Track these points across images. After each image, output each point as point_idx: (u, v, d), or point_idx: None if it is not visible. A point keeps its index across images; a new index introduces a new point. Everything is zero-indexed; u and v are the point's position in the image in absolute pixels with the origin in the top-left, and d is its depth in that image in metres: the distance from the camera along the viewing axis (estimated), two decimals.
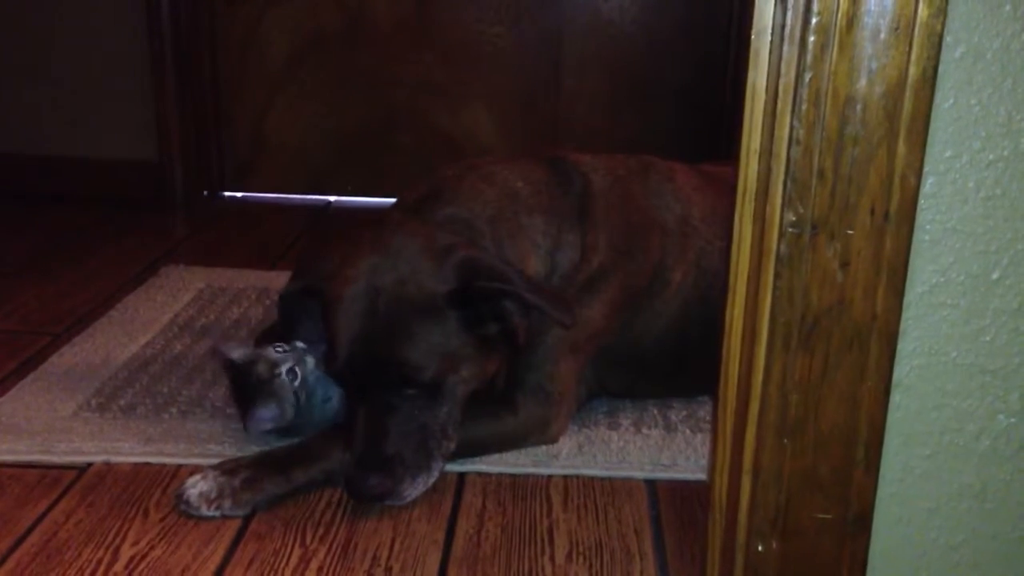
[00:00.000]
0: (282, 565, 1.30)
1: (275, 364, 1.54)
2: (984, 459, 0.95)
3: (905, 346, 0.92)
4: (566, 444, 1.61)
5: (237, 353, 1.62)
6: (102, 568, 1.28)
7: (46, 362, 1.89)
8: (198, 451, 1.55)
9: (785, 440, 0.95)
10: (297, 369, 1.54)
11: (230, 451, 1.54)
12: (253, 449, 1.53)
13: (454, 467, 1.53)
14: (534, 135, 3.20)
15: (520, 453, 1.58)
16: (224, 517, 1.39)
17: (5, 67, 3.09)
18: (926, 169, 0.87)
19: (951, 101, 0.86)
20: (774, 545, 0.98)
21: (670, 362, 1.74)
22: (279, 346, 1.58)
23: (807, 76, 0.85)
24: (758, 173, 0.92)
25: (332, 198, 3.27)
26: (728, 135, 2.99)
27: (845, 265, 0.89)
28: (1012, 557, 0.97)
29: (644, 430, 1.67)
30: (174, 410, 1.69)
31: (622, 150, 1.85)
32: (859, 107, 0.85)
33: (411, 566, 1.31)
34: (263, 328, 1.95)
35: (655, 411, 1.73)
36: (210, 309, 2.19)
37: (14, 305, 2.21)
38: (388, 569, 1.30)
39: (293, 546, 1.34)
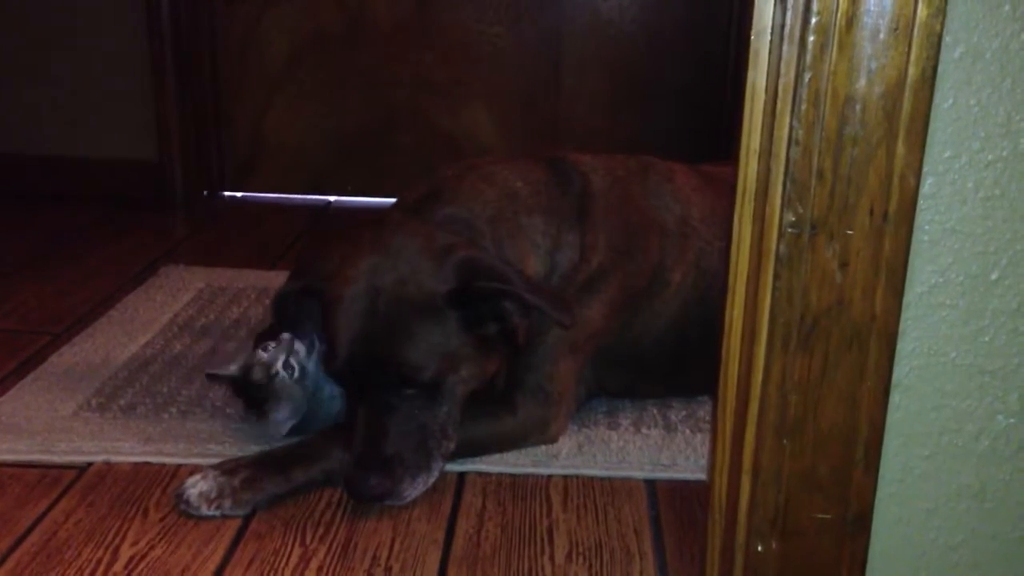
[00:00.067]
0: (282, 565, 1.30)
1: (269, 365, 1.54)
2: (983, 459, 0.95)
3: (904, 346, 0.92)
4: (566, 444, 1.61)
5: (231, 368, 1.62)
6: (102, 568, 1.28)
7: (46, 362, 1.89)
8: (198, 451, 1.56)
9: (784, 440, 0.95)
10: (292, 361, 1.54)
11: (230, 451, 1.54)
12: (253, 449, 1.53)
13: (454, 467, 1.53)
14: (534, 135, 3.20)
15: (520, 453, 1.58)
16: (224, 517, 1.39)
17: (5, 67, 3.09)
18: (925, 169, 0.87)
19: (950, 101, 0.86)
20: (773, 545, 0.98)
21: (669, 362, 1.74)
22: (266, 345, 1.58)
23: (807, 76, 0.85)
24: (757, 173, 0.92)
25: (332, 198, 3.27)
26: (728, 135, 2.99)
27: (844, 265, 0.89)
28: (1011, 557, 0.97)
29: (644, 430, 1.67)
30: (174, 410, 1.69)
31: (622, 150, 1.85)
32: (858, 107, 0.85)
33: (411, 566, 1.31)
34: (261, 329, 1.95)
35: (655, 411, 1.74)
36: (210, 309, 2.19)
37: (14, 304, 2.21)
38: (388, 569, 1.30)
39: (293, 546, 1.34)
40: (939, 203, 0.89)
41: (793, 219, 0.89)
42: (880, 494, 0.96)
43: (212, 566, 1.29)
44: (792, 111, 0.87)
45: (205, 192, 3.23)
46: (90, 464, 1.52)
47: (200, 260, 2.55)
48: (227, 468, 1.42)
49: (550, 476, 1.53)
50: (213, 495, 1.39)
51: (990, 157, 0.87)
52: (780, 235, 0.89)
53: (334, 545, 1.35)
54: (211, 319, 2.14)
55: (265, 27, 3.15)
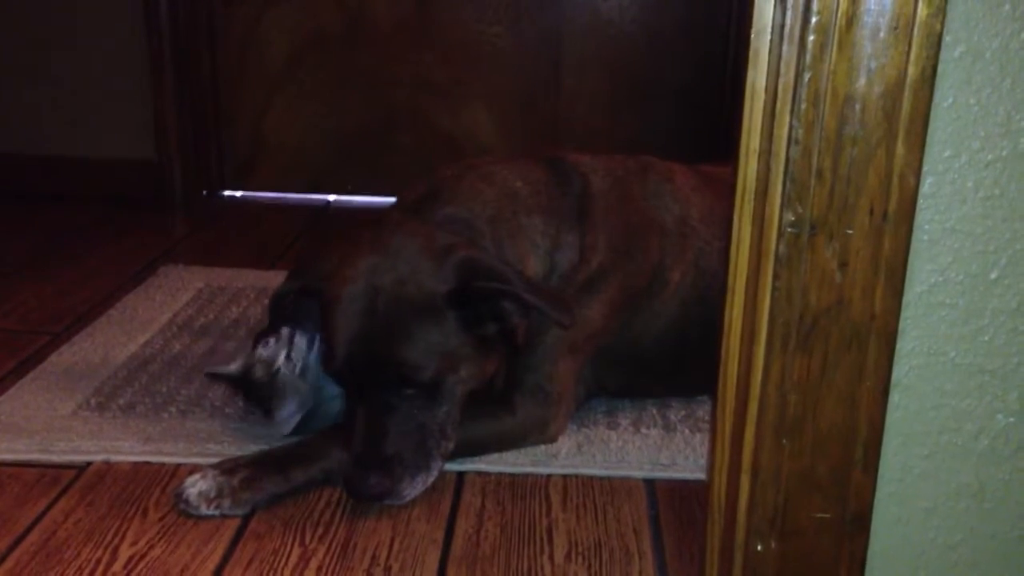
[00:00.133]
0: (281, 564, 1.30)
1: (270, 362, 1.54)
2: (982, 459, 0.95)
3: (904, 346, 0.92)
4: (565, 444, 1.61)
5: (231, 368, 1.62)
6: (101, 567, 1.28)
7: (45, 361, 1.89)
8: (197, 450, 1.55)
9: (784, 440, 0.95)
10: (293, 355, 1.54)
11: (229, 450, 1.54)
12: (252, 448, 1.53)
13: (453, 466, 1.53)
14: (534, 135, 3.20)
15: (519, 453, 1.58)
16: (223, 516, 1.39)
17: (4, 67, 3.09)
18: (925, 169, 0.87)
19: (950, 101, 0.86)
20: (773, 545, 0.98)
21: (669, 362, 1.74)
22: (266, 342, 1.58)
23: (806, 76, 0.85)
24: (757, 173, 0.92)
25: (331, 198, 3.27)
26: (727, 135, 2.99)
27: (844, 265, 0.89)
28: (1010, 556, 0.97)
29: (643, 430, 1.67)
30: (173, 409, 1.69)
31: (622, 150, 1.85)
32: (858, 107, 0.85)
33: (410, 565, 1.31)
34: (260, 329, 1.95)
35: (654, 411, 1.74)
36: (209, 308, 2.19)
37: (13, 304, 2.21)
38: (387, 568, 1.30)
39: (292, 545, 1.34)
40: (939, 203, 0.89)
41: (792, 219, 0.89)
42: (879, 493, 0.96)
43: (211, 566, 1.29)
44: (792, 111, 0.87)
45: (204, 192, 3.23)
46: (89, 463, 1.52)
47: (199, 260, 2.55)
48: (226, 468, 1.42)
49: (549, 476, 1.53)
50: (212, 495, 1.39)
51: (990, 157, 0.87)
52: (779, 235, 0.89)
53: (333, 545, 1.35)
54: (210, 318, 2.14)
55: (265, 26, 3.15)
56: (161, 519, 1.39)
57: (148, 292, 2.28)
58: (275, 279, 2.28)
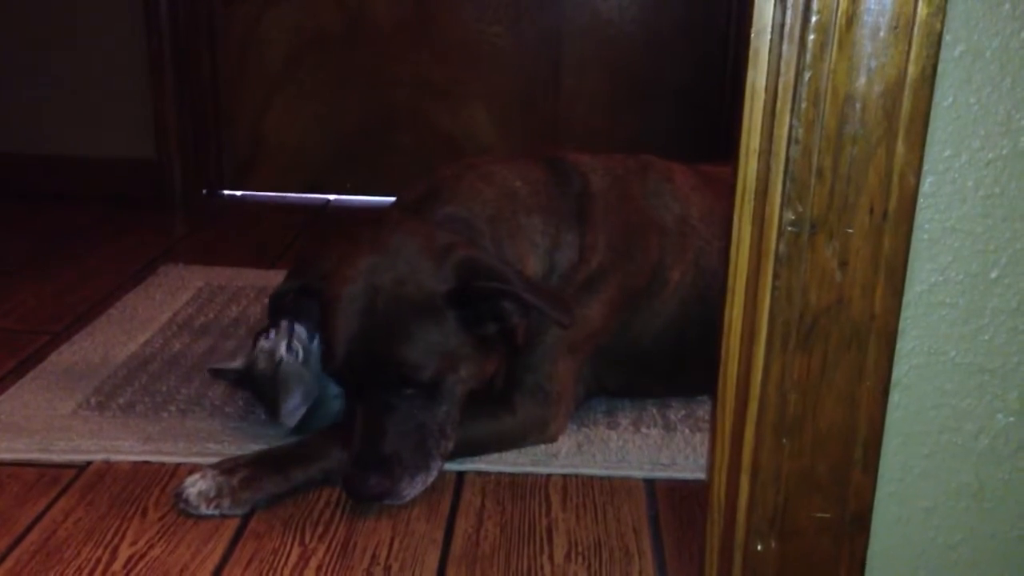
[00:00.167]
0: (281, 564, 1.30)
1: (272, 353, 1.54)
2: (982, 458, 0.95)
3: (904, 345, 0.92)
4: (565, 443, 1.61)
5: (235, 364, 1.62)
6: (101, 567, 1.28)
7: (45, 360, 1.89)
8: (197, 450, 1.55)
9: (784, 439, 0.95)
10: (295, 343, 1.54)
11: (229, 450, 1.54)
12: (252, 448, 1.53)
13: (453, 466, 1.53)
14: (533, 134, 3.20)
15: (519, 452, 1.58)
16: (223, 516, 1.39)
17: (5, 66, 3.09)
18: (925, 168, 0.87)
19: (950, 100, 0.86)
20: (772, 544, 0.98)
21: (669, 361, 1.74)
22: (266, 334, 1.58)
23: (806, 75, 0.85)
24: (757, 172, 0.92)
25: (331, 197, 3.27)
26: (727, 134, 2.99)
27: (844, 264, 0.89)
28: (1010, 556, 0.97)
29: (643, 429, 1.67)
30: (173, 408, 1.69)
31: (621, 150, 1.85)
32: (858, 106, 0.85)
33: (410, 565, 1.31)
34: (260, 328, 1.95)
35: (654, 410, 1.73)
36: (209, 308, 2.19)
37: (13, 303, 2.21)
38: (387, 568, 1.30)
39: (292, 545, 1.34)
40: (939, 202, 0.89)
41: (793, 218, 0.89)
42: (879, 493, 0.96)
43: (211, 565, 1.29)
44: (792, 110, 0.87)
45: (204, 191, 3.23)
46: (89, 463, 1.52)
47: (199, 259, 2.55)
48: (226, 467, 1.42)
49: (549, 475, 1.53)
50: (212, 494, 1.39)
51: (990, 156, 0.87)
52: (779, 234, 0.89)
53: (333, 544, 1.34)
54: (210, 318, 2.14)
55: (265, 26, 3.15)
56: (161, 519, 1.39)
57: (148, 291, 2.28)
58: (275, 278, 2.28)
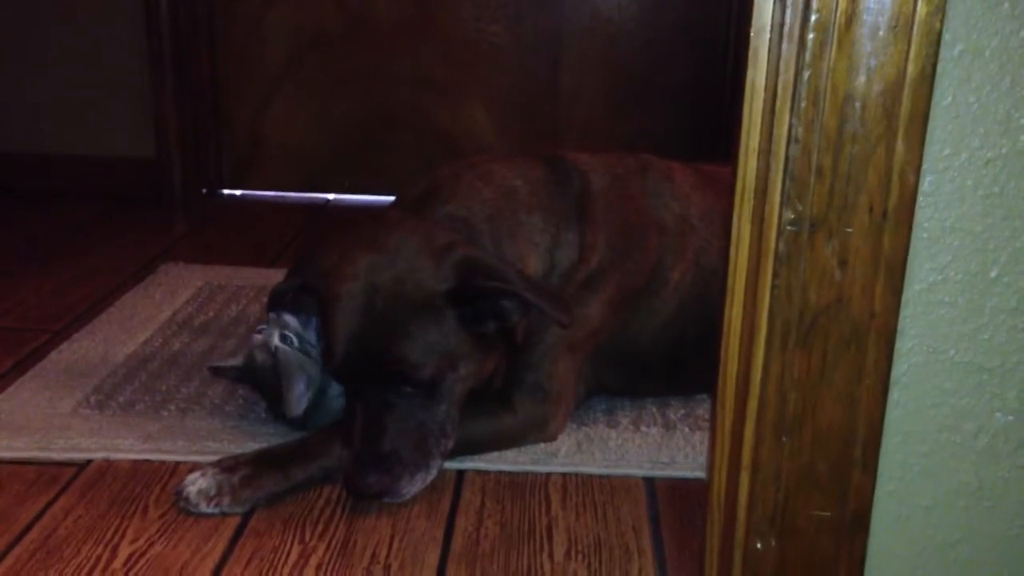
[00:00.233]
0: (281, 562, 1.30)
1: (267, 345, 1.55)
2: (982, 457, 0.95)
3: (903, 344, 0.92)
4: (565, 442, 1.61)
5: (232, 361, 1.62)
6: (101, 565, 1.28)
7: (45, 359, 1.89)
8: (197, 448, 1.56)
9: (783, 438, 0.95)
10: (287, 333, 1.55)
11: (229, 448, 1.54)
12: (252, 446, 1.53)
13: (453, 465, 1.53)
14: (533, 133, 3.20)
15: (519, 451, 1.58)
16: (223, 514, 1.39)
17: (5, 65, 3.09)
18: (924, 167, 0.87)
19: (949, 99, 0.86)
20: (772, 543, 0.98)
21: (668, 360, 1.74)
22: (259, 328, 1.59)
23: (806, 74, 0.85)
24: (756, 171, 0.92)
25: (331, 196, 3.27)
26: (727, 133, 2.98)
27: (843, 263, 0.89)
28: (1009, 554, 0.97)
29: (643, 428, 1.67)
30: (173, 407, 1.69)
31: (621, 148, 1.85)
32: (858, 105, 0.85)
33: (410, 563, 1.31)
34: (259, 328, 1.95)
35: (654, 409, 1.74)
36: (209, 306, 2.19)
37: (13, 302, 2.21)
38: (387, 567, 1.30)
39: (292, 543, 1.34)
40: (938, 201, 0.89)
41: (792, 217, 0.89)
42: (879, 492, 0.96)
43: (211, 563, 1.29)
44: (791, 109, 0.87)
45: (204, 190, 3.23)
46: (89, 461, 1.52)
47: (199, 258, 2.55)
48: (226, 466, 1.42)
49: (549, 474, 1.53)
50: (212, 493, 1.39)
51: (989, 155, 0.87)
52: (779, 233, 0.89)
53: (333, 543, 1.35)
54: (210, 316, 2.14)
55: (264, 25, 3.15)
56: (161, 517, 1.39)
57: (148, 290, 2.28)
58: (274, 277, 2.27)
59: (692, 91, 3.17)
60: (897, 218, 0.87)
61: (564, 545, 1.35)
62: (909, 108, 0.85)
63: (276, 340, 1.55)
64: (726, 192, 0.97)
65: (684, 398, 1.77)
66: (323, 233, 2.86)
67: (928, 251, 0.90)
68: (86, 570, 1.27)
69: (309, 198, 3.26)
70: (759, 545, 0.98)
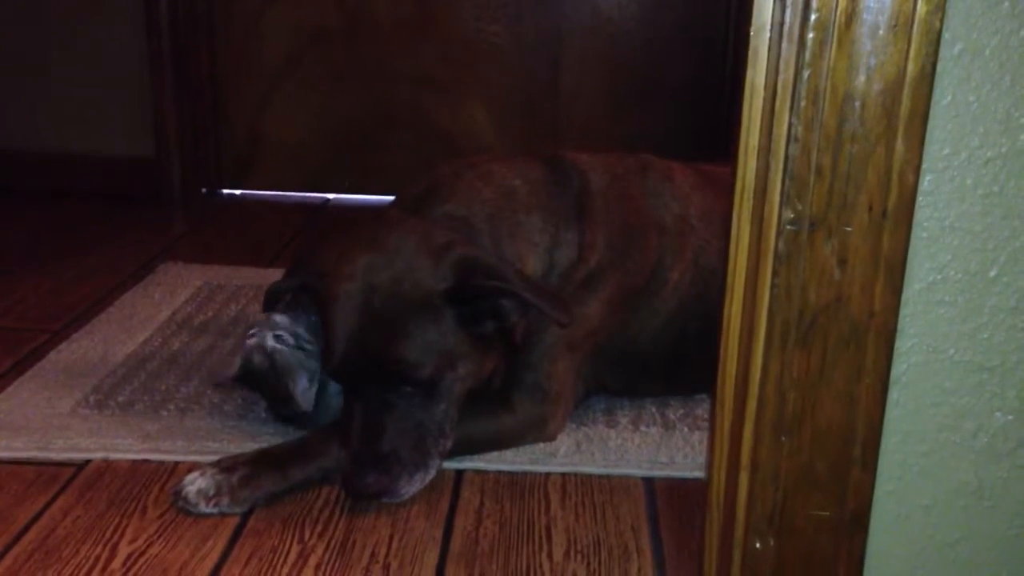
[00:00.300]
0: (280, 562, 1.30)
1: (261, 347, 1.55)
2: (981, 456, 0.95)
3: (903, 343, 0.92)
4: (564, 442, 1.61)
5: (232, 371, 1.62)
6: (100, 565, 1.28)
7: (44, 359, 1.89)
8: (196, 448, 1.55)
9: (783, 437, 0.95)
10: (281, 333, 1.55)
11: (228, 448, 1.54)
12: (251, 446, 1.53)
13: (452, 464, 1.53)
14: (533, 133, 3.20)
15: (518, 451, 1.58)
16: (222, 514, 1.39)
17: (4, 64, 3.09)
18: (924, 166, 0.87)
19: (949, 98, 0.86)
20: (771, 542, 0.98)
21: (668, 360, 1.74)
22: (251, 331, 1.59)
23: (806, 73, 0.85)
24: (756, 171, 0.92)
25: (330, 196, 3.27)
26: (727, 133, 2.98)
27: (843, 262, 0.89)
28: (1009, 554, 0.97)
29: (642, 428, 1.67)
30: (172, 407, 1.69)
31: (621, 148, 1.85)
32: (857, 104, 0.85)
33: (409, 563, 1.31)
34: (251, 331, 1.95)
35: (653, 409, 1.74)
36: (208, 306, 2.19)
37: (12, 301, 2.21)
38: (386, 566, 1.30)
39: (291, 543, 1.34)
40: (938, 200, 0.89)
41: (792, 216, 0.89)
42: (878, 491, 0.96)
43: (210, 563, 1.29)
44: (791, 108, 0.87)
45: (203, 189, 3.23)
46: (88, 461, 1.52)
47: (198, 257, 2.55)
48: (225, 466, 1.42)
49: (548, 474, 1.53)
50: (211, 492, 1.38)
51: (989, 154, 0.87)
52: (779, 232, 0.89)
53: (332, 542, 1.34)
54: (209, 316, 2.13)
55: (264, 23, 3.15)
56: (160, 517, 1.39)
57: (147, 290, 2.28)
58: (273, 277, 2.26)
59: (692, 90, 3.17)
60: (897, 217, 0.87)
61: (563, 545, 1.35)
62: (909, 107, 0.85)
63: (271, 341, 1.55)
64: (726, 192, 0.96)
65: (683, 398, 1.77)
66: (322, 233, 2.86)
67: (928, 250, 0.90)
68: (85, 570, 1.27)
69: (308, 198, 3.26)
70: (758, 545, 0.98)
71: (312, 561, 1.30)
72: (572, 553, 1.33)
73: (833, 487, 0.95)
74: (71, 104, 3.11)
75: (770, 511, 0.97)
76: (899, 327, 0.91)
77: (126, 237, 2.74)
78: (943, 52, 0.84)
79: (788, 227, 0.89)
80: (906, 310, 0.91)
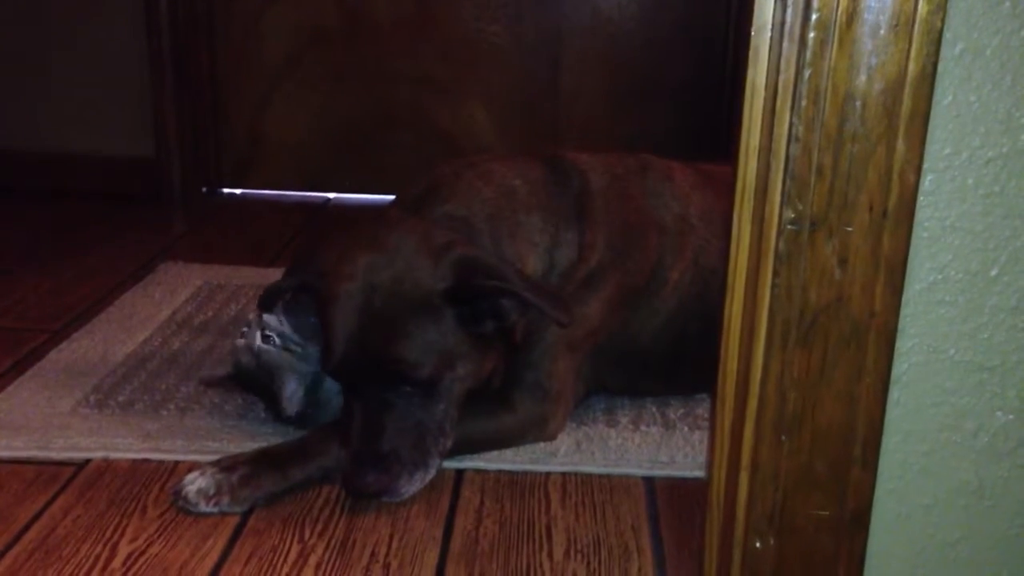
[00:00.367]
0: (280, 561, 1.30)
1: (249, 347, 1.55)
2: (982, 456, 0.95)
3: (903, 343, 0.92)
4: (564, 441, 1.61)
5: (221, 369, 1.62)
6: (100, 564, 1.28)
7: (44, 358, 1.89)
8: (196, 447, 1.55)
9: (783, 437, 0.95)
10: (269, 333, 1.55)
11: (228, 448, 1.54)
12: (251, 446, 1.52)
13: (452, 464, 1.53)
14: (533, 133, 3.20)
15: (518, 450, 1.58)
16: (222, 514, 1.39)
17: (4, 64, 3.09)
18: (925, 166, 0.87)
19: (950, 98, 0.86)
20: (771, 542, 0.98)
21: (668, 359, 1.74)
22: (242, 331, 1.59)
23: (806, 73, 0.85)
24: (757, 171, 0.92)
25: (330, 195, 3.27)
26: (727, 133, 2.99)
27: (843, 262, 0.89)
28: (1009, 554, 0.97)
29: (642, 427, 1.67)
30: (172, 406, 1.69)
31: (621, 148, 1.85)
32: (858, 104, 0.85)
33: (409, 562, 1.31)
34: (242, 331, 1.95)
35: (653, 408, 1.74)
36: (208, 306, 2.19)
37: (12, 301, 2.21)
38: (386, 566, 1.30)
39: (291, 542, 1.34)
40: (939, 200, 0.89)
41: (792, 216, 0.89)
42: (878, 491, 0.96)
43: (210, 563, 1.29)
44: (792, 108, 0.87)
45: (203, 189, 3.23)
46: (88, 461, 1.52)
47: (198, 257, 2.55)
48: (225, 465, 1.42)
49: (548, 473, 1.53)
50: (211, 492, 1.38)
51: (990, 154, 0.87)
52: (779, 232, 0.89)
53: (332, 542, 1.34)
54: (209, 316, 2.13)
55: (264, 23, 3.15)
56: (160, 516, 1.39)
57: (147, 289, 2.28)
58: (274, 276, 2.26)
59: (692, 90, 3.17)
60: (897, 217, 0.87)
61: (563, 544, 1.35)
62: (910, 107, 0.85)
63: (258, 341, 1.55)
64: (726, 192, 0.96)
65: (684, 397, 1.77)
66: (322, 232, 2.86)
67: (928, 250, 0.90)
68: (85, 569, 1.27)
69: (309, 197, 3.26)
70: (758, 544, 0.98)
71: (312, 560, 1.30)
72: (572, 552, 1.34)
73: (833, 486, 0.95)
74: (71, 104, 3.10)
75: (770, 510, 0.97)
76: (900, 327, 0.91)
77: (126, 237, 2.74)
78: (944, 52, 0.84)
79: (789, 227, 0.89)
80: (907, 310, 0.91)
